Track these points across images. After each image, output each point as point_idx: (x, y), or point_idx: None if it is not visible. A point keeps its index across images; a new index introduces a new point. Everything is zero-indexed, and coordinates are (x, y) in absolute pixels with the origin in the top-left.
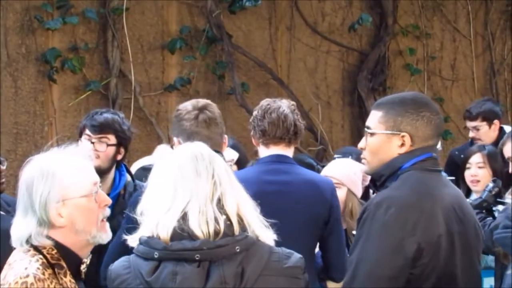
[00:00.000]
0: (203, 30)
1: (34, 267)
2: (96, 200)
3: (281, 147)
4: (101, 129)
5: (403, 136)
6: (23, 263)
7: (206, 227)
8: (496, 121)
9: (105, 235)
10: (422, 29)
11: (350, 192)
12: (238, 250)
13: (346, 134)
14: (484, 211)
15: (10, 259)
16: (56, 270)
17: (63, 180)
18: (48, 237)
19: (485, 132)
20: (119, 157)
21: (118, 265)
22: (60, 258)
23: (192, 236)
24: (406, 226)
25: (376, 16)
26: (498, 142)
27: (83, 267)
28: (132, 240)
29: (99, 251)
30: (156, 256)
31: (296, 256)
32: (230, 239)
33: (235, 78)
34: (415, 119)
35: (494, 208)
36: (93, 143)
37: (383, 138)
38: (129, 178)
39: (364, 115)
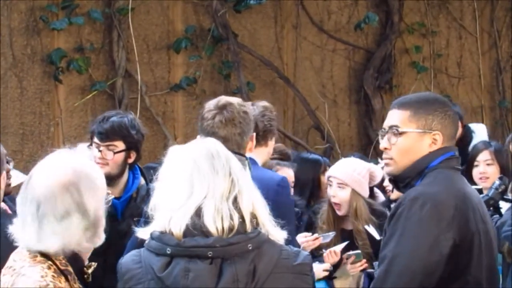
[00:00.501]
0: (208, 29)
1: (50, 276)
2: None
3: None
4: (107, 136)
5: (434, 135)
6: (37, 271)
7: (221, 224)
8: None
9: (99, 241)
10: (428, 27)
11: (354, 192)
12: (250, 248)
13: (353, 132)
14: (491, 208)
15: (13, 264)
16: (68, 277)
17: (97, 186)
18: None
19: None
20: (130, 160)
21: (128, 259)
22: (67, 264)
23: (205, 233)
24: (442, 222)
25: (382, 14)
26: (462, 140)
27: (90, 271)
28: (144, 233)
29: (104, 253)
30: (168, 252)
31: (304, 253)
32: (243, 237)
33: (241, 77)
34: (443, 118)
35: (500, 206)
36: (100, 151)
37: (415, 137)
38: (142, 181)
39: (370, 113)
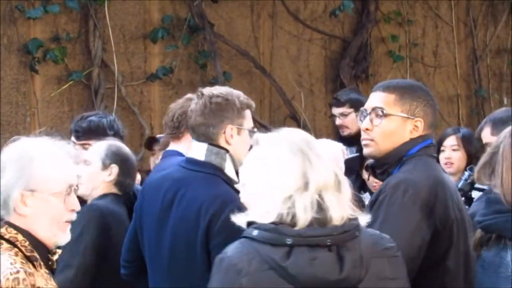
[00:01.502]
0: (185, 19)
1: (19, 262)
2: (65, 201)
3: None
4: (83, 135)
5: (416, 121)
6: (5, 258)
7: (340, 213)
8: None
9: (64, 237)
10: (404, 16)
11: None
12: (357, 235)
13: (329, 121)
14: (463, 199)
15: None
16: (35, 263)
17: (39, 170)
18: (10, 224)
19: (352, 120)
20: None
21: (235, 252)
22: (32, 249)
23: (325, 223)
24: (424, 208)
25: (358, 3)
26: None
27: (55, 258)
28: (240, 219)
29: None
30: (288, 242)
31: (386, 237)
32: (352, 224)
33: (218, 67)
34: (426, 106)
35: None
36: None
37: (399, 121)
38: None
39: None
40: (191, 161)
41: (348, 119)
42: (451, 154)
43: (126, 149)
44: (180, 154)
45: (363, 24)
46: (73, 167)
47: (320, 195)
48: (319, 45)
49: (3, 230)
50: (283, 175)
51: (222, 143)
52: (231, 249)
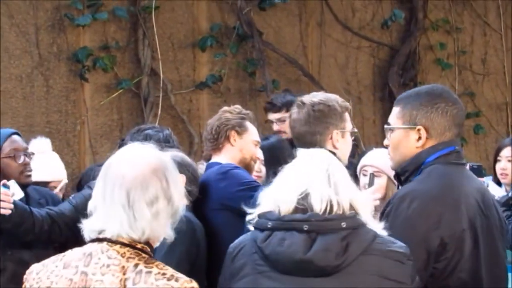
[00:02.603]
0: (233, 27)
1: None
2: None
3: None
4: None
5: (418, 130)
6: (170, 268)
7: (323, 205)
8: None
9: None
10: (453, 24)
11: (390, 180)
12: (344, 226)
13: (378, 129)
14: (511, 208)
15: (112, 262)
16: None
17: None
18: None
19: None
20: None
21: (237, 241)
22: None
23: (307, 211)
24: (430, 219)
25: (406, 11)
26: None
27: None
28: (253, 216)
29: None
30: (269, 226)
31: (401, 244)
32: (338, 215)
33: (266, 75)
34: (429, 112)
35: None
36: None
37: (402, 133)
38: None
39: None
40: None
41: (286, 124)
42: (506, 165)
43: (188, 158)
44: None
45: (411, 32)
46: None
47: (306, 190)
48: (367, 53)
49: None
50: (279, 178)
51: (329, 148)
52: (238, 238)
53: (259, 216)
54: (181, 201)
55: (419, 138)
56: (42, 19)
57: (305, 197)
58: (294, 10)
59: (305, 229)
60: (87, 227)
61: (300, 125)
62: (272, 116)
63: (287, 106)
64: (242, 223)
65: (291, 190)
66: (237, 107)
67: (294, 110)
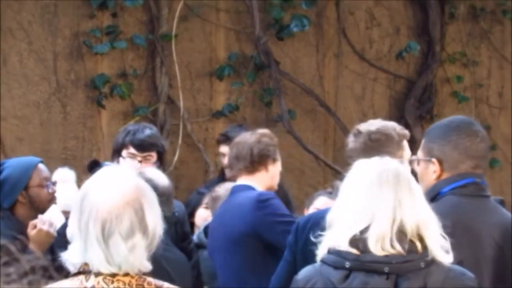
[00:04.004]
0: (250, 56)
1: None
2: None
3: None
4: (147, 147)
5: (434, 162)
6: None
7: (394, 246)
8: None
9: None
10: (470, 57)
11: None
12: (423, 266)
13: None
14: None
15: None
16: None
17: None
18: None
19: None
20: None
21: (306, 273)
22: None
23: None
24: None
25: (423, 43)
26: None
27: None
28: (322, 249)
29: None
30: (347, 266)
31: (470, 275)
32: (417, 255)
33: (283, 105)
34: (442, 144)
35: None
36: (140, 161)
37: (422, 165)
38: None
39: (411, 142)
40: None
41: None
42: None
43: (162, 179)
44: (253, 189)
45: (428, 64)
46: None
47: (376, 226)
48: (384, 84)
49: None
50: (350, 202)
51: None
52: (303, 271)
53: (331, 251)
54: (157, 229)
55: (435, 170)
56: (60, 46)
57: (365, 233)
58: (312, 40)
59: (386, 271)
60: (69, 259)
61: (357, 154)
62: (225, 149)
63: None
64: (265, 254)
65: (364, 225)
66: (272, 134)
67: (351, 139)
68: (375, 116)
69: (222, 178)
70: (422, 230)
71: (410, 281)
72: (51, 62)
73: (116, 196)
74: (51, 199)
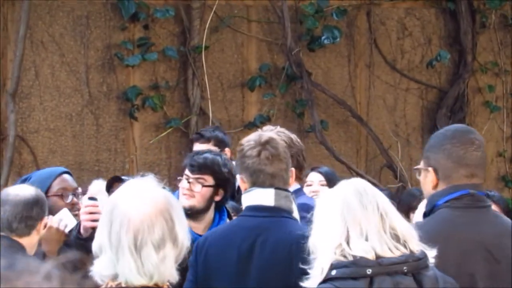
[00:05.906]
0: (282, 67)
1: None
2: None
3: None
4: (199, 169)
5: (430, 172)
6: None
7: (392, 251)
8: (227, 149)
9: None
10: (501, 66)
11: None
12: (428, 264)
13: None
14: None
15: None
16: None
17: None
18: None
19: None
20: (217, 198)
21: None
22: None
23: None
24: None
25: (455, 53)
26: None
27: None
28: (312, 281)
29: None
30: (369, 273)
31: (449, 278)
32: (424, 253)
33: (315, 116)
34: (436, 153)
35: None
36: (189, 182)
37: (422, 174)
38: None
39: None
40: (259, 208)
41: None
42: None
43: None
44: None
45: (460, 74)
46: None
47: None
48: (416, 94)
49: None
50: (325, 225)
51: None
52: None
53: (345, 264)
54: (185, 240)
55: (432, 180)
56: (92, 58)
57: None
58: (343, 51)
59: (405, 270)
60: (97, 271)
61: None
62: (199, 147)
63: (215, 140)
64: None
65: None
66: None
67: None
68: (407, 126)
69: None
70: (406, 236)
71: (426, 278)
72: (83, 75)
73: (148, 206)
74: (70, 210)
